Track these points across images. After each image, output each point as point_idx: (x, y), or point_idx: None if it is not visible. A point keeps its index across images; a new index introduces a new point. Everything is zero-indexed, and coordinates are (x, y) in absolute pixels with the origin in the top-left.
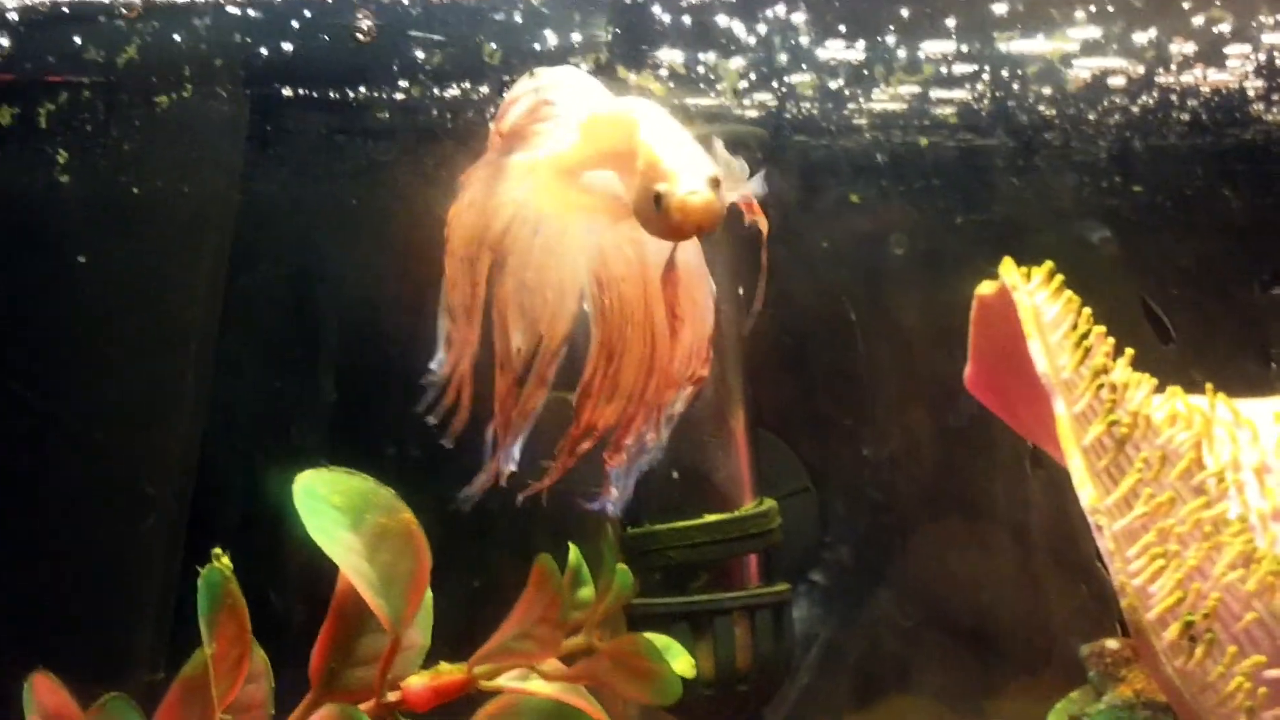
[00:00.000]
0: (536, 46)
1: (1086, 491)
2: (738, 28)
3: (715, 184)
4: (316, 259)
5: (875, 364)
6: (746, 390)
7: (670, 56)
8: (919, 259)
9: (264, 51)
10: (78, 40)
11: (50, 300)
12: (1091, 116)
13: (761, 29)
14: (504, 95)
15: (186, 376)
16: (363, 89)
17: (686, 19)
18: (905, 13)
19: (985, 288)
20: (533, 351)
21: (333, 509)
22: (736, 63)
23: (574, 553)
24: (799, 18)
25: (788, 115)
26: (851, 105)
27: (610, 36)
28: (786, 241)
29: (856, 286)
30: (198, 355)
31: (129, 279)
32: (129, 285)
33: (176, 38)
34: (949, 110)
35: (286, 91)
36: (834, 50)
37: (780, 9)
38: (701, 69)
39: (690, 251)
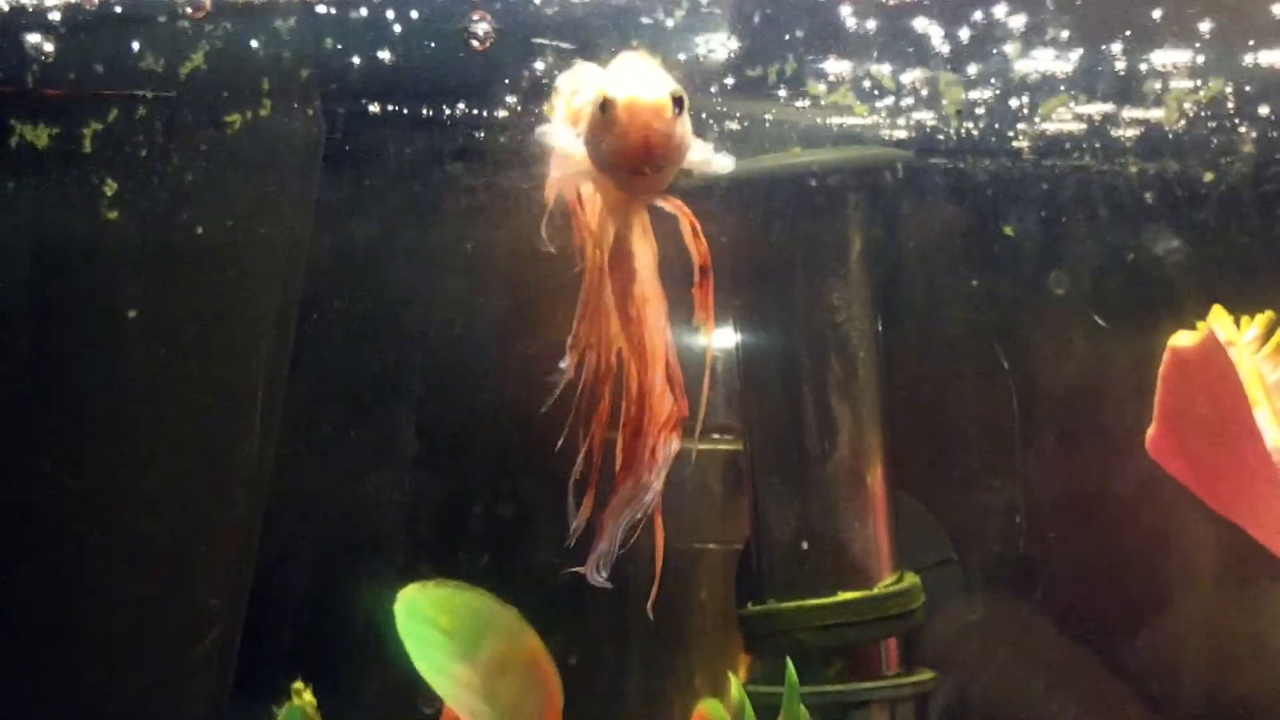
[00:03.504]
0: (683, 56)
1: None
2: (918, 36)
3: (677, 101)
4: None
5: (1031, 418)
6: (886, 447)
7: (839, 69)
8: (1083, 300)
9: (356, 60)
10: (134, 47)
11: (95, 357)
12: None
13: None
14: None
15: (252, 438)
16: (468, 105)
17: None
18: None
19: (1182, 339)
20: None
21: (441, 634)
22: (899, 76)
23: (735, 686)
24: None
25: (940, 136)
26: (1020, 126)
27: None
28: (931, 277)
29: (1010, 331)
30: (265, 407)
31: (187, 330)
32: (187, 338)
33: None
34: (1131, 133)
35: (377, 108)
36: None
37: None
38: (867, 83)
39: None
